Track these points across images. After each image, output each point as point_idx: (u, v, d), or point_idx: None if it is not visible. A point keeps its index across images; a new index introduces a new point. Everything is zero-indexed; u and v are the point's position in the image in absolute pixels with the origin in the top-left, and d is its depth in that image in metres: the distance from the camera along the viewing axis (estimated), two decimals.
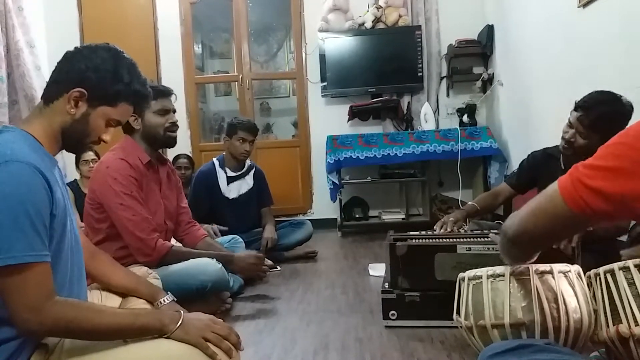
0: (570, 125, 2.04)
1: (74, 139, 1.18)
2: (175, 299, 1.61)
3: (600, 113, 1.93)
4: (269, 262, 2.46)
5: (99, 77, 1.15)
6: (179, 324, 1.10)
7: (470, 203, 2.43)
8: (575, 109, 2.02)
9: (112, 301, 1.46)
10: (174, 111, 2.20)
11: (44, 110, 1.16)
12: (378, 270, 2.75)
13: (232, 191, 3.26)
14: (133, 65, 1.22)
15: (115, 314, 1.14)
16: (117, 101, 1.19)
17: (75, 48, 1.20)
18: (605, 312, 1.19)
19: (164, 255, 2.05)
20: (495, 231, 1.91)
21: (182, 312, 1.16)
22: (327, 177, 4.20)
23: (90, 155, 3.91)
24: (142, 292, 1.52)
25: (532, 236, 1.01)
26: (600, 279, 1.24)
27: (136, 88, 1.21)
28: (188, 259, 2.13)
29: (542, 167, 2.29)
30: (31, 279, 0.99)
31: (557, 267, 1.29)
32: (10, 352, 1.02)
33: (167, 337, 1.10)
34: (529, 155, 2.43)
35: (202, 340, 1.09)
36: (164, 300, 1.55)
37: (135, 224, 2.00)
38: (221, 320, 1.19)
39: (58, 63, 1.19)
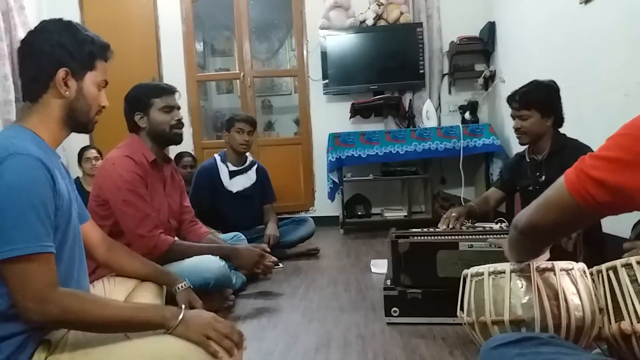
0: (513, 119, 2.36)
1: (81, 117, 1.21)
2: (192, 287, 1.79)
3: (522, 93, 2.31)
4: (274, 258, 2.46)
5: (68, 50, 1.16)
6: (179, 318, 1.10)
7: (469, 203, 2.53)
8: (509, 105, 2.37)
9: (116, 296, 1.48)
10: (179, 108, 2.21)
11: (33, 108, 1.17)
12: (380, 266, 2.76)
13: (235, 185, 3.26)
14: (80, 25, 1.23)
15: (118, 307, 1.15)
16: (94, 62, 1.21)
17: (22, 41, 1.19)
18: (607, 309, 1.19)
19: (165, 251, 2.06)
20: (494, 236, 1.90)
21: (182, 307, 1.16)
22: (328, 175, 4.19)
23: (92, 153, 3.94)
24: (159, 280, 1.65)
25: (541, 229, 1.01)
26: (602, 275, 1.24)
27: (101, 42, 1.23)
28: (191, 254, 2.14)
29: (515, 168, 2.51)
30: (36, 269, 1.00)
31: (560, 264, 1.29)
32: (15, 347, 1.03)
33: (170, 333, 1.10)
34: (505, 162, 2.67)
35: (203, 338, 1.09)
36: (181, 286, 1.74)
37: (136, 221, 2.00)
38: (223, 319, 1.18)
39: (20, 63, 1.20)
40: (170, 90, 2.18)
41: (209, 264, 2.13)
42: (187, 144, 4.60)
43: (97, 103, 1.23)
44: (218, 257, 2.19)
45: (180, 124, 2.19)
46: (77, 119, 1.20)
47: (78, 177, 3.95)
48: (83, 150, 3.98)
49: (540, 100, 2.27)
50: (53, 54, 1.15)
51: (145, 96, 2.13)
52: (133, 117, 2.13)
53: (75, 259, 1.18)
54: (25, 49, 1.18)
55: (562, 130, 2.38)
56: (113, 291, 1.55)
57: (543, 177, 2.32)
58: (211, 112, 6.07)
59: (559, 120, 2.32)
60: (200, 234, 2.36)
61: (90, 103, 1.21)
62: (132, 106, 2.14)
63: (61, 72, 1.15)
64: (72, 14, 4.59)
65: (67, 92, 1.16)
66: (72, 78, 1.17)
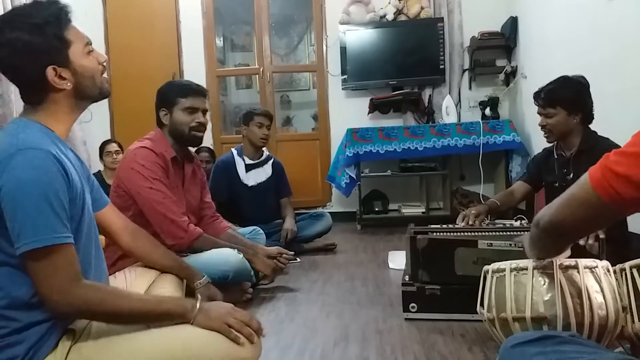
0: (540, 116, 2.30)
1: (91, 91, 1.18)
2: (210, 281, 1.84)
3: (548, 90, 2.24)
4: (290, 252, 2.47)
5: (38, 47, 1.08)
6: (197, 308, 1.13)
7: (491, 199, 2.49)
8: (535, 102, 2.31)
9: (138, 287, 1.50)
10: (205, 111, 2.18)
11: (39, 107, 1.14)
12: (398, 259, 2.76)
13: (250, 178, 3.30)
14: (19, 9, 1.13)
15: (140, 299, 1.18)
16: (64, 37, 1.12)
17: None
18: (630, 307, 1.17)
19: (196, 238, 2.08)
20: (516, 234, 1.88)
21: (199, 297, 1.18)
22: (344, 170, 4.15)
23: (113, 146, 3.99)
24: (180, 273, 1.71)
25: (563, 227, 0.99)
26: (626, 274, 1.23)
27: (52, 10, 1.12)
28: (215, 248, 2.16)
29: (542, 163, 2.46)
30: (57, 261, 1.01)
31: (583, 262, 1.27)
32: (40, 335, 1.05)
33: (191, 324, 1.12)
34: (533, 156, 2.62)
35: (224, 326, 1.11)
36: (200, 282, 1.80)
37: (166, 207, 2.02)
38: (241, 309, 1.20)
39: (8, 78, 1.14)
40: (199, 92, 2.16)
41: (227, 257, 2.14)
42: (206, 139, 4.55)
43: (96, 67, 1.18)
44: (237, 250, 2.21)
45: (201, 126, 2.17)
46: (87, 95, 1.18)
47: (99, 171, 4.01)
48: (104, 144, 4.04)
49: (566, 98, 2.20)
50: (29, 60, 1.08)
51: (173, 94, 2.14)
52: (159, 112, 2.16)
53: (92, 246, 1.19)
54: (2, 67, 1.12)
55: None
56: (134, 283, 1.57)
57: (571, 175, 2.25)
58: (230, 107, 6.10)
59: (588, 117, 2.24)
60: (220, 228, 2.37)
61: (91, 74, 1.16)
62: (159, 101, 2.17)
63: (50, 72, 1.10)
64: (95, 10, 4.65)
65: (68, 84, 1.13)
66: (62, 67, 1.11)
